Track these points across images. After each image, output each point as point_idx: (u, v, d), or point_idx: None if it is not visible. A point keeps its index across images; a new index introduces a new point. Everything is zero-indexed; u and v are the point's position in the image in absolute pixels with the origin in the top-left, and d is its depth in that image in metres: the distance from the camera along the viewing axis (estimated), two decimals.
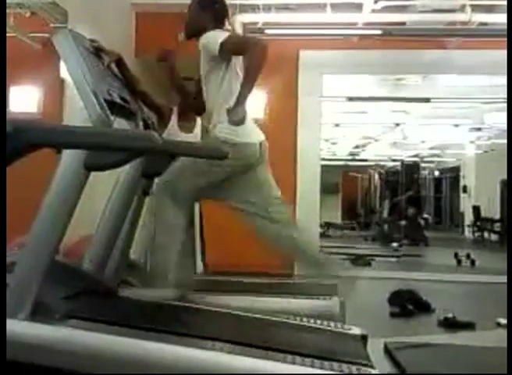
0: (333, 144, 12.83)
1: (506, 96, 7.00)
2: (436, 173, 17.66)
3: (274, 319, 2.14)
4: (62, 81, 3.53)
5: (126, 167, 1.97)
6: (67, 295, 1.74)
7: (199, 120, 3.27)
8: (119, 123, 1.90)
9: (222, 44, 2.27)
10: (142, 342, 1.41)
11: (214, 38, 2.32)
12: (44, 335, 1.40)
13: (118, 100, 1.88)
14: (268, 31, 4.98)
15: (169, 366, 1.38)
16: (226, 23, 2.58)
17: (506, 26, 4.55)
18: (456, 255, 7.19)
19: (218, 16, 2.50)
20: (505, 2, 4.57)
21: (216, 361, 1.43)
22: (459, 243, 10.95)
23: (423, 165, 15.45)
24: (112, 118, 1.70)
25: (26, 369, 1.35)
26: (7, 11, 3.29)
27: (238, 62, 2.40)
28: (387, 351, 2.70)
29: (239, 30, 4.67)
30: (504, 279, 4.58)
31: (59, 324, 1.54)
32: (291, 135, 5.25)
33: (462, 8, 4.83)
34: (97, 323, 1.62)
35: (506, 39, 4.46)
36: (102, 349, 1.38)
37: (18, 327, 1.40)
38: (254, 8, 4.96)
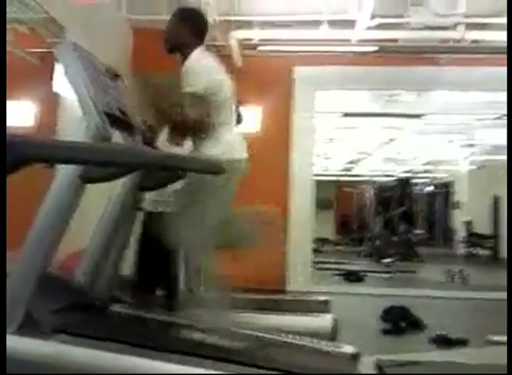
0: (326, 159, 12.88)
1: (497, 112, 7.13)
2: (429, 189, 17.74)
3: (266, 336, 2.12)
4: (56, 95, 3.53)
5: (122, 180, 1.97)
6: (58, 308, 1.72)
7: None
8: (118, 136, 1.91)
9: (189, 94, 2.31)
10: (131, 358, 1.40)
11: (190, 78, 2.35)
12: (33, 350, 1.39)
13: (117, 113, 1.89)
14: (262, 48, 5.02)
15: None
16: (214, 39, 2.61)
17: (499, 44, 4.62)
18: (448, 271, 7.19)
19: (198, 31, 2.52)
20: (497, 20, 4.64)
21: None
22: (451, 259, 10.96)
23: (416, 180, 15.51)
24: (110, 130, 1.71)
25: None
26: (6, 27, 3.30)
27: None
28: (379, 368, 2.68)
29: (234, 47, 4.71)
30: (497, 295, 4.58)
31: (48, 339, 1.52)
32: (284, 151, 5.26)
33: (455, 26, 4.89)
34: (86, 338, 1.60)
35: (499, 56, 4.54)
36: (91, 365, 1.37)
37: (6, 341, 1.38)
38: (249, 24, 5.01)
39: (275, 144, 4.98)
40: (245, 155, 2.50)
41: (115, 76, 2.15)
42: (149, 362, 1.40)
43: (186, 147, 3.26)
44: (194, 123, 2.42)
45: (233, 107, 2.58)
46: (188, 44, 2.43)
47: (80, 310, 1.86)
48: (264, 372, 1.63)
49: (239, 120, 2.82)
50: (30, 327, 1.49)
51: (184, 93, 2.34)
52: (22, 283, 1.52)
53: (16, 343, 1.39)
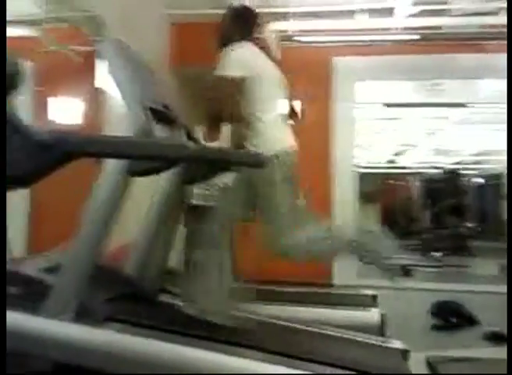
0: (370, 151, 12.67)
1: None
2: (479, 180, 17.15)
3: (313, 330, 2.10)
4: (101, 92, 3.61)
5: (167, 174, 2.01)
6: (109, 298, 1.77)
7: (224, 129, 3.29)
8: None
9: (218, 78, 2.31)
10: (181, 348, 1.42)
11: (223, 62, 2.35)
12: (87, 337, 1.43)
13: (161, 108, 1.91)
14: (300, 38, 4.98)
15: (209, 372, 1.38)
16: (256, 33, 2.61)
17: None
18: (501, 265, 6.93)
19: (249, 27, 2.54)
20: None
21: (255, 370, 1.42)
22: (504, 253, 10.53)
23: (465, 172, 15.04)
24: (154, 125, 1.74)
25: (68, 370, 1.38)
26: (47, 26, 3.40)
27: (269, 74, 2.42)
28: (429, 365, 2.60)
29: (271, 38, 4.68)
30: None
31: (102, 327, 1.56)
32: (325, 143, 5.20)
33: (500, 11, 4.69)
34: (137, 326, 1.64)
35: None
36: (142, 352, 1.40)
37: (62, 329, 1.43)
38: (285, 16, 4.97)
39: (316, 136, 4.93)
40: (294, 146, 2.46)
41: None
42: (200, 351, 1.41)
43: (221, 140, 3.29)
44: (230, 111, 2.41)
45: (284, 100, 2.55)
46: (236, 40, 2.45)
47: (130, 300, 1.90)
48: (311, 365, 1.61)
49: (292, 115, 2.77)
50: (83, 316, 1.53)
51: (219, 78, 2.33)
52: (74, 274, 1.58)
53: (71, 331, 1.44)
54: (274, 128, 2.42)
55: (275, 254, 2.46)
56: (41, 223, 3.30)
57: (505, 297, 5.07)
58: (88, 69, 3.49)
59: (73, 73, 3.52)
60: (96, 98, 3.52)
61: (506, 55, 5.11)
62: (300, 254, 2.41)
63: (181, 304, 2.13)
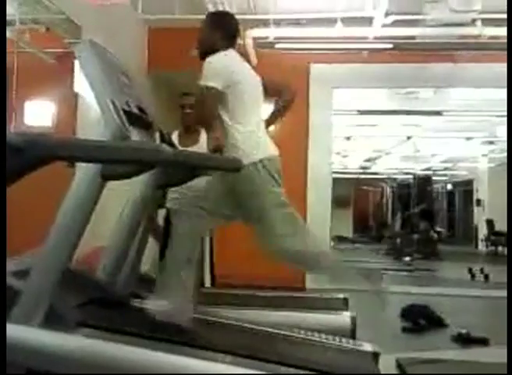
0: (344, 157, 12.81)
1: None
2: (449, 187, 17.52)
3: (285, 333, 2.12)
4: (76, 95, 3.58)
5: (142, 178, 1.99)
6: (80, 303, 1.75)
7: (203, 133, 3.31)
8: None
9: (201, 88, 2.32)
10: (153, 352, 1.41)
11: (206, 72, 2.34)
12: (57, 343, 1.41)
13: (136, 111, 1.90)
14: (279, 45, 5.02)
15: None
16: (237, 40, 2.61)
17: None
18: (469, 269, 7.10)
19: (229, 35, 2.52)
20: None
21: (224, 373, 1.43)
22: (472, 257, 10.80)
23: (435, 178, 15.34)
24: (129, 128, 1.72)
25: None
26: (23, 27, 3.36)
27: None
28: (399, 367, 2.66)
29: (249, 44, 4.72)
30: None
31: (72, 332, 1.55)
32: (302, 148, 5.26)
33: (473, 22, 4.83)
34: (108, 332, 1.63)
35: None
36: (113, 358, 1.39)
37: (31, 334, 1.41)
38: (265, 23, 5.01)
39: (292, 142, 4.97)
40: (276, 152, 2.47)
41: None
42: (171, 356, 1.41)
43: (200, 144, 3.29)
44: (208, 119, 2.40)
45: (261, 107, 2.55)
46: (220, 48, 2.43)
47: (101, 305, 1.88)
48: (284, 369, 1.63)
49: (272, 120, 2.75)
50: (53, 321, 1.52)
51: (202, 88, 2.33)
52: (45, 278, 1.55)
53: (40, 336, 1.42)
54: (254, 135, 2.42)
55: (271, 256, 2.44)
56: (12, 227, 3.24)
57: (472, 300, 5.22)
58: (64, 73, 3.46)
59: (48, 75, 3.48)
60: (72, 102, 3.49)
61: (478, 65, 5.30)
62: (294, 258, 2.41)
63: (152, 308, 2.12)
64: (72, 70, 3.49)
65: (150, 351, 1.41)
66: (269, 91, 2.56)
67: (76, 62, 3.31)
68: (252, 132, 2.40)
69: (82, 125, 3.47)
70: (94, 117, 1.74)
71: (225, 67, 2.37)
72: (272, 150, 2.45)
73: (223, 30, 2.50)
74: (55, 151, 1.43)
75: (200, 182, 2.40)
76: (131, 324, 1.82)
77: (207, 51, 2.43)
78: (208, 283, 3.47)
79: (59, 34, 3.64)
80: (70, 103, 3.61)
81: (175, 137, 3.32)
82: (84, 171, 1.61)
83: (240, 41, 2.67)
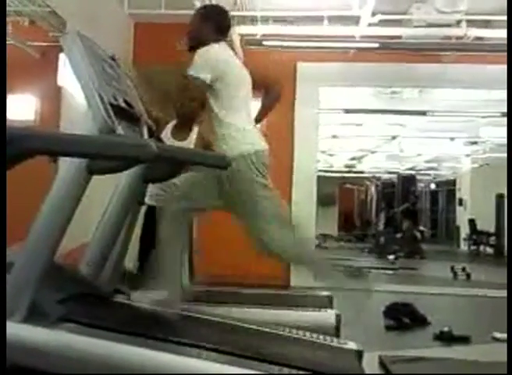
0: (330, 155, 12.86)
1: (501, 111, 7.10)
2: (432, 186, 17.70)
3: (269, 330, 2.12)
4: (60, 89, 3.53)
5: (127, 173, 1.97)
6: (63, 298, 1.73)
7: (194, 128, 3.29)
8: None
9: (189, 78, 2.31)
10: (135, 348, 1.40)
11: (196, 63, 2.33)
12: (39, 338, 1.40)
13: (123, 104, 1.87)
14: (266, 43, 5.01)
15: (162, 372, 1.37)
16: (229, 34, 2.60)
17: (500, 42, 4.61)
18: (452, 268, 7.18)
19: (221, 27, 2.51)
20: (499, 18, 4.63)
21: (208, 370, 1.43)
22: (455, 256, 10.94)
23: (419, 177, 15.48)
24: (116, 122, 1.70)
25: (19, 371, 1.35)
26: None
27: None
28: (382, 364, 2.67)
29: (237, 42, 4.70)
30: (500, 293, 4.57)
31: (54, 327, 1.53)
32: (288, 147, 5.26)
33: (458, 23, 4.88)
34: (91, 327, 1.61)
35: (501, 54, 4.53)
36: (95, 354, 1.38)
37: (13, 329, 1.39)
38: (252, 20, 4.99)
39: (278, 140, 4.96)
40: (265, 146, 2.46)
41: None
42: (154, 352, 1.40)
43: (190, 140, 3.27)
44: (197, 112, 2.39)
45: (251, 100, 2.53)
46: (211, 40, 2.41)
47: (84, 301, 1.87)
48: (267, 366, 1.63)
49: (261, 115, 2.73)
50: (36, 316, 1.50)
51: (190, 78, 2.32)
52: (27, 273, 1.54)
53: (23, 331, 1.40)
54: (243, 127, 2.40)
55: (262, 252, 2.43)
56: None
57: (455, 298, 5.28)
58: (47, 66, 3.41)
59: (31, 69, 3.43)
60: (56, 96, 3.44)
61: (462, 65, 5.36)
62: (287, 254, 2.40)
63: (135, 304, 2.10)
64: (56, 64, 3.44)
65: (133, 347, 1.40)
66: (256, 83, 2.53)
67: (61, 56, 3.27)
68: (242, 124, 2.40)
69: (65, 119, 3.42)
70: (79, 111, 1.71)
71: (215, 59, 2.37)
72: (261, 143, 2.45)
73: (215, 23, 2.49)
74: (40, 144, 1.41)
75: (185, 175, 2.39)
76: (112, 320, 1.80)
77: (198, 44, 2.42)
78: (184, 281, 3.45)
79: (43, 27, 3.59)
80: (54, 97, 3.56)
81: (169, 130, 3.28)
82: (70, 165, 1.59)
83: (228, 38, 2.65)
